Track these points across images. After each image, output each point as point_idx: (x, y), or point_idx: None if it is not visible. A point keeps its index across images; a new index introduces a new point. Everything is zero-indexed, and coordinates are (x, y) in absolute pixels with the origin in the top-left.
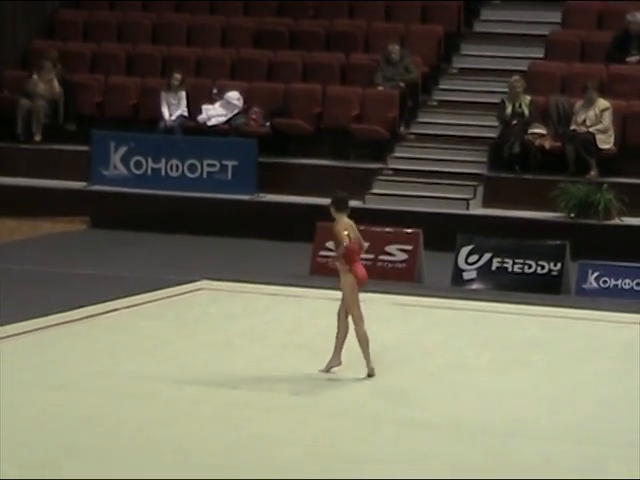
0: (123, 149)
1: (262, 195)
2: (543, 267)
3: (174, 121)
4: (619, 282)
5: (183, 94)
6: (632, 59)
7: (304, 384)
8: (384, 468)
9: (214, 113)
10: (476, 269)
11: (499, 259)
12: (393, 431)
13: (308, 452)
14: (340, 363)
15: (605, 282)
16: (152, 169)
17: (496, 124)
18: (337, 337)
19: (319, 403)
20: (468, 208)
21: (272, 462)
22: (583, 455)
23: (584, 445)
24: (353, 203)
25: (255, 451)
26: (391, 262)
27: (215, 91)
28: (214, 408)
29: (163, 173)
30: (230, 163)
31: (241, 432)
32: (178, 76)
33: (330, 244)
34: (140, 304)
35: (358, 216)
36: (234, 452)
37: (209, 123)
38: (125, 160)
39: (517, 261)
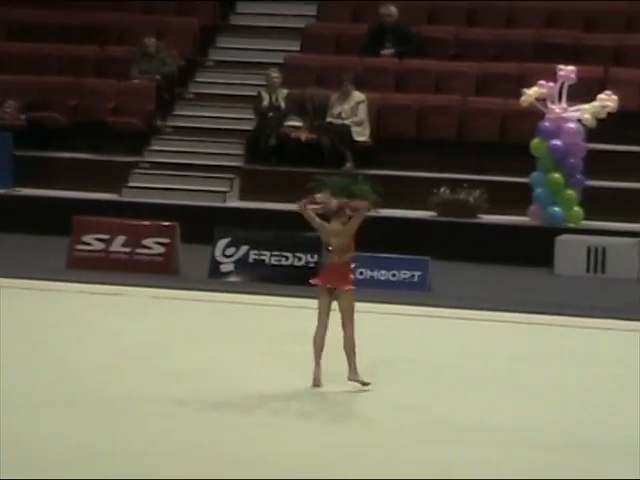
0: None
1: (18, 189)
2: (300, 259)
3: None
4: (375, 273)
5: None
6: (386, 52)
7: (67, 378)
8: (152, 462)
9: None
10: (233, 261)
11: (256, 251)
12: (159, 425)
13: (70, 448)
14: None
15: (361, 273)
16: None
17: (252, 117)
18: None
19: (84, 397)
20: (225, 201)
21: (33, 459)
22: (325, 443)
23: (326, 435)
24: (109, 196)
25: (17, 448)
26: (148, 255)
27: None
28: None
29: None
30: None
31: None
32: None
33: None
34: None
35: (115, 209)
36: None
37: None
38: None
39: (274, 253)
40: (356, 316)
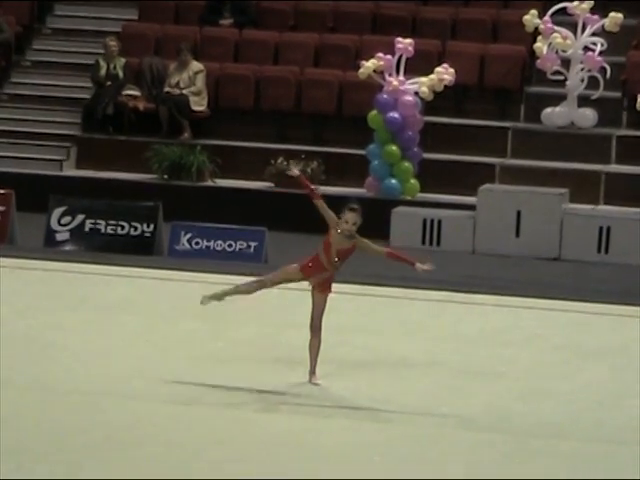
0: None
1: None
2: (136, 228)
3: None
4: (211, 243)
5: None
6: (225, 22)
7: None
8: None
9: None
10: (69, 230)
11: (92, 220)
12: None
13: None
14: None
15: (197, 243)
16: None
17: (90, 85)
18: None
19: None
20: (62, 169)
21: None
22: (172, 414)
23: (174, 405)
24: None
25: None
26: None
27: None
28: None
29: None
30: None
31: None
32: None
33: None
34: None
35: None
36: None
37: None
38: None
39: (110, 222)
40: (188, 287)
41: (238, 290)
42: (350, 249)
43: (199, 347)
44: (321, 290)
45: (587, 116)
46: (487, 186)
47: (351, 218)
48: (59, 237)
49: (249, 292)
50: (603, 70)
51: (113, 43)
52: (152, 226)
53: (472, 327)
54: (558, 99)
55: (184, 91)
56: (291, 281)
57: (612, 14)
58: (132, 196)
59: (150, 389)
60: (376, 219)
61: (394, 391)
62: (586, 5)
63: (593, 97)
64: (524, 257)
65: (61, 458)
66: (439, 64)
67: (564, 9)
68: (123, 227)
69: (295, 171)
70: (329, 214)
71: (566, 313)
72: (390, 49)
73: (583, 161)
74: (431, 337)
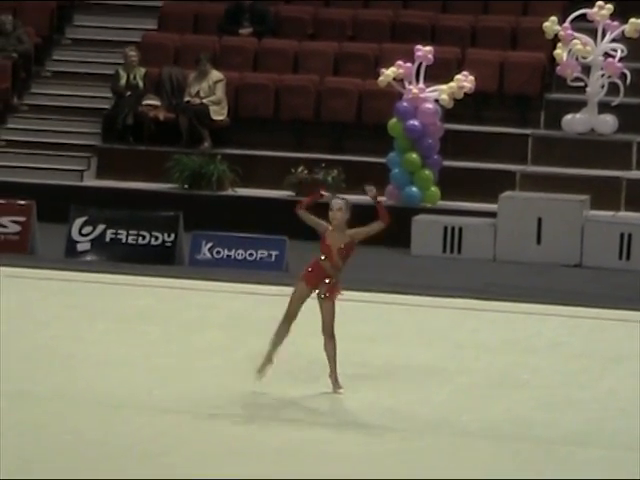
0: None
1: None
2: (157, 238)
3: None
4: (232, 252)
5: None
6: (244, 31)
7: None
8: None
9: None
10: (90, 240)
11: (113, 230)
12: (4, 405)
13: None
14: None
15: (218, 253)
16: None
17: (110, 95)
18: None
19: None
20: (82, 180)
21: None
22: (193, 425)
23: (195, 416)
24: None
25: None
26: (3, 234)
27: None
28: None
29: None
30: None
31: None
32: None
33: None
34: None
35: None
36: None
37: None
38: None
39: (131, 232)
40: (209, 296)
41: (275, 342)
42: (349, 244)
43: (220, 357)
44: (328, 297)
45: (607, 122)
46: (508, 193)
47: (334, 204)
48: (80, 247)
49: (285, 334)
50: (623, 76)
51: (133, 53)
52: (173, 236)
53: (493, 335)
54: (578, 106)
55: (204, 100)
56: (305, 297)
57: (632, 20)
58: (153, 206)
59: (172, 400)
60: (397, 227)
61: (415, 400)
62: (606, 11)
63: (613, 103)
64: (545, 264)
65: (82, 469)
66: (459, 72)
67: (584, 15)
68: (144, 237)
69: (373, 191)
70: (318, 222)
71: (588, 320)
72: (410, 57)
73: (604, 167)
74: (452, 345)
